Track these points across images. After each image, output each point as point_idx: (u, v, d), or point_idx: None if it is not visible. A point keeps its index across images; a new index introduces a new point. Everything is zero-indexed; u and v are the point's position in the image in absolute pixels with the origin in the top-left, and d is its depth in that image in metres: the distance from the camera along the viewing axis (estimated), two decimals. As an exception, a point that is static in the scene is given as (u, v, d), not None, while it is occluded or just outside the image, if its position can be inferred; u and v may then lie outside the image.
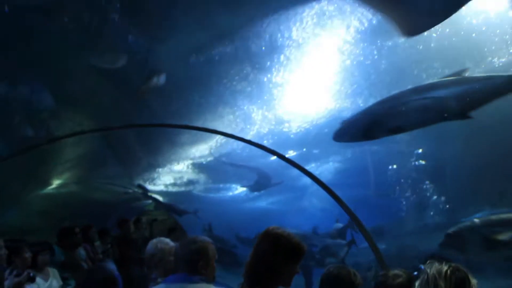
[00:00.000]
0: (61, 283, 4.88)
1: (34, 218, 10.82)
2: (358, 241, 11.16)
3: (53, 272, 4.83)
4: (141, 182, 13.04)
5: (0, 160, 5.80)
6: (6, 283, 3.20)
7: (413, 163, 11.68)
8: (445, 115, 5.16)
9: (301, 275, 10.59)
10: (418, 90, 5.42)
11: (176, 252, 2.59)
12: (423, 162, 10.91)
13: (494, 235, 6.27)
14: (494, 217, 6.81)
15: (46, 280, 4.58)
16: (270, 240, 2.09)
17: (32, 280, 3.58)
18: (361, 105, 9.77)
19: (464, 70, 5.23)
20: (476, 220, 6.83)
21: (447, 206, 11.66)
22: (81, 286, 3.48)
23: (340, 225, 12.40)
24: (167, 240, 3.43)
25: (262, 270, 2.04)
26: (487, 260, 6.42)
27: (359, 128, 5.96)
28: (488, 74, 5.08)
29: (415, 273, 2.52)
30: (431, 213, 12.12)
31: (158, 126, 7.63)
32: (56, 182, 10.32)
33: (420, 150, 11.16)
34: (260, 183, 15.27)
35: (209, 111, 9.23)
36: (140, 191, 13.23)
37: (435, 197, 11.98)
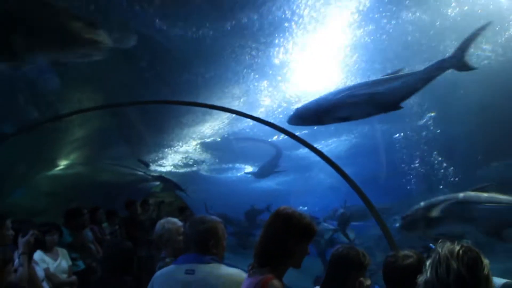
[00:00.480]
0: (70, 263, 4.99)
1: (42, 199, 10.99)
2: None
3: (62, 252, 4.93)
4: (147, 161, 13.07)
5: (6, 137, 5.78)
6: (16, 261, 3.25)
7: (424, 134, 11.55)
8: (381, 107, 6.27)
9: (316, 255, 11.34)
10: (360, 86, 6.55)
11: (185, 232, 2.65)
12: (432, 114, 10.65)
13: (429, 213, 7.18)
14: (433, 199, 7.61)
15: (55, 260, 4.68)
16: (281, 220, 2.11)
17: (40, 243, 3.63)
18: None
19: (399, 70, 6.29)
20: (421, 203, 7.62)
21: (456, 179, 11.62)
22: (105, 256, 3.69)
23: (341, 210, 12.73)
24: (175, 219, 3.48)
25: (273, 250, 2.07)
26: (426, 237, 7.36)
27: (310, 115, 7.01)
28: (410, 71, 6.23)
29: (425, 254, 2.53)
30: (441, 186, 12.11)
31: (165, 103, 7.54)
32: (63, 163, 10.41)
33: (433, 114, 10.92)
34: (266, 169, 15.35)
35: (216, 89, 9.12)
36: (142, 168, 13.21)
37: (442, 170, 11.92)
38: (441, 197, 7.48)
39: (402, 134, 12.20)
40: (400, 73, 6.16)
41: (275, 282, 1.98)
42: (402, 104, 6.12)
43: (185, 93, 8.47)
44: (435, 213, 6.99)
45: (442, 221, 7.07)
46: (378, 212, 4.77)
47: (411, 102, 9.76)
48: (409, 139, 12.21)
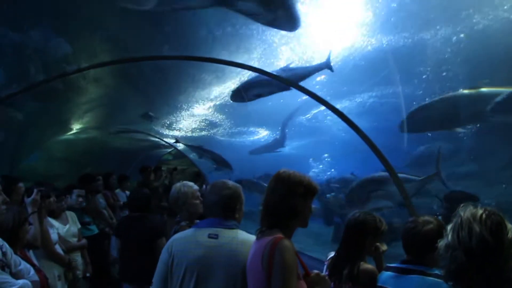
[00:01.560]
0: (79, 226, 5.13)
1: (56, 164, 11.27)
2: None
3: (71, 216, 5.06)
4: (160, 127, 13.05)
5: (12, 95, 5.73)
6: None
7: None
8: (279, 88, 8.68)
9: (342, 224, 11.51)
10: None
11: (206, 196, 2.64)
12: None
13: (361, 191, 8.76)
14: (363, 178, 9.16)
15: (64, 224, 4.82)
16: (283, 182, 2.19)
17: (47, 197, 3.75)
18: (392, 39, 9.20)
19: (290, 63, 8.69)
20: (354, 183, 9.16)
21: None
22: (130, 199, 5.05)
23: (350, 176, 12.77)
24: (191, 183, 3.51)
25: (279, 212, 2.15)
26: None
27: (238, 92, 9.21)
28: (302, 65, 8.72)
29: (439, 216, 2.51)
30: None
31: (182, 59, 7.30)
32: (76, 127, 10.52)
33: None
34: (263, 149, 15.23)
35: (233, 44, 8.81)
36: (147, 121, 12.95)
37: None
38: (368, 176, 9.05)
39: (429, 69, 11.54)
40: (293, 67, 8.59)
41: (286, 241, 2.04)
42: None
43: (200, 49, 8.22)
44: (364, 191, 8.49)
45: (371, 197, 8.75)
46: (398, 176, 4.65)
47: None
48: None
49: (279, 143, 15.34)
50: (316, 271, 2.21)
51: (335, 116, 5.26)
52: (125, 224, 4.45)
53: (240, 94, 9.15)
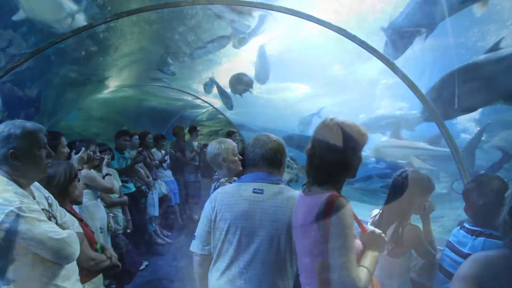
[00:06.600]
0: (120, 184, 5.54)
1: (93, 123, 11.81)
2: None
3: (113, 173, 5.41)
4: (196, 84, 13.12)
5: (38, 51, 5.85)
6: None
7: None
8: None
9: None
10: None
11: (250, 151, 2.65)
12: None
13: None
14: None
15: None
16: (333, 132, 2.05)
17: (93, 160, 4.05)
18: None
19: None
20: None
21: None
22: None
23: None
24: (229, 140, 3.61)
25: (327, 168, 2.05)
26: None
27: None
28: None
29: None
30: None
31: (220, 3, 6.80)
32: (112, 84, 10.79)
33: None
34: None
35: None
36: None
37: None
38: None
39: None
40: None
41: (343, 199, 1.96)
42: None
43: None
44: None
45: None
46: (448, 130, 4.47)
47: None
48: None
49: None
50: (372, 228, 2.13)
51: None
52: None
53: None
